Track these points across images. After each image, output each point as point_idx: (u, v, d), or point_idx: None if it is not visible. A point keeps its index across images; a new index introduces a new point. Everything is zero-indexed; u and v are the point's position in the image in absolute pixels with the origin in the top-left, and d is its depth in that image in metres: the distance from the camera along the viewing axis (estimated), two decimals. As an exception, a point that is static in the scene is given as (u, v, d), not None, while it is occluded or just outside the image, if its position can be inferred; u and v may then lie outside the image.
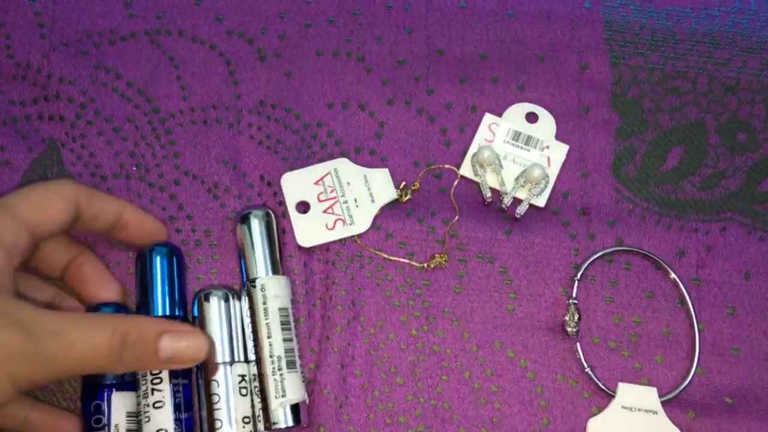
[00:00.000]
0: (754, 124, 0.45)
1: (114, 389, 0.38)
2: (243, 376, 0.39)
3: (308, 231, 0.43)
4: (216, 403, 0.39)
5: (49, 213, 0.36)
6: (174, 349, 0.35)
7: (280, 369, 0.39)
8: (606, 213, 0.44)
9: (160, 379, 0.38)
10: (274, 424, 0.38)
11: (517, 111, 0.46)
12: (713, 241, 0.43)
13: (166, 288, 0.40)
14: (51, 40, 0.46)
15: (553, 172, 0.45)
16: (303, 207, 0.44)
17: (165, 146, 0.45)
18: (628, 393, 0.40)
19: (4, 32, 0.45)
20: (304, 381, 0.40)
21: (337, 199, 0.43)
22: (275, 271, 0.41)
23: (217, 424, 0.38)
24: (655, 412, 0.40)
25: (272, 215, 0.42)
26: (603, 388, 0.41)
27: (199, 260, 0.43)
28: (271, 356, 0.39)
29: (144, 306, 0.40)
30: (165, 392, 0.37)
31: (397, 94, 0.46)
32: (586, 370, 0.41)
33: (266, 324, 0.39)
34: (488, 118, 0.46)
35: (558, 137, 0.45)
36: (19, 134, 0.45)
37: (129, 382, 0.39)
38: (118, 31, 0.46)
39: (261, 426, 0.39)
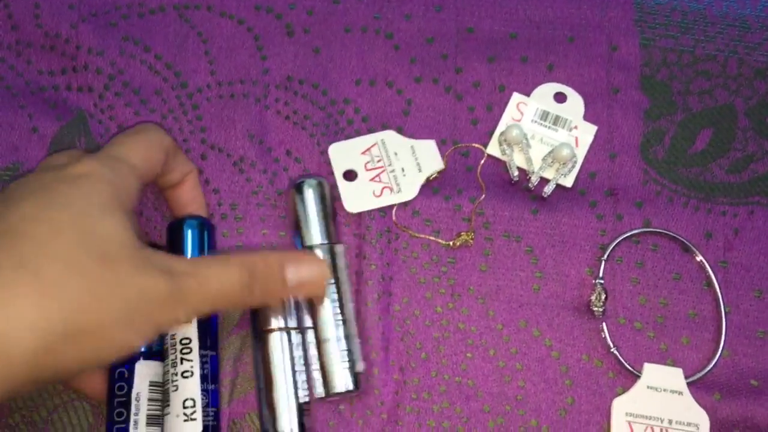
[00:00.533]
0: (784, 109, 0.45)
1: (141, 358, 0.39)
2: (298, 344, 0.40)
3: (355, 197, 0.43)
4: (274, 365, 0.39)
5: (155, 164, 0.38)
6: (299, 275, 0.37)
7: (354, 336, 0.40)
8: (633, 194, 0.44)
9: (190, 349, 0.38)
10: (339, 389, 0.39)
11: (546, 91, 0.46)
12: (741, 224, 0.43)
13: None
14: (80, 11, 0.46)
15: (581, 152, 0.44)
16: (351, 176, 0.44)
17: (192, 121, 0.45)
18: (653, 373, 0.40)
19: (33, 2, 0.45)
20: None
21: (384, 168, 0.44)
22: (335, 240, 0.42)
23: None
24: (681, 393, 0.40)
25: (327, 184, 0.42)
26: (629, 368, 0.41)
27: (224, 234, 0.43)
28: (346, 321, 0.40)
29: None
30: (194, 362, 0.38)
31: (425, 71, 0.46)
32: (612, 350, 0.41)
33: (344, 290, 0.40)
34: (516, 97, 0.46)
35: (586, 118, 0.45)
36: (47, 103, 0.45)
37: (156, 353, 0.39)
38: (146, 3, 0.46)
39: (320, 390, 0.39)
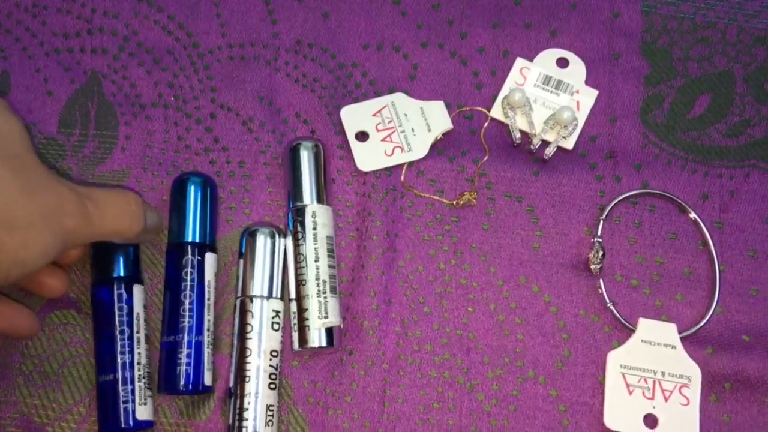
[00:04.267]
0: (781, 75, 0.46)
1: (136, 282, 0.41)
2: (277, 312, 0.41)
3: (367, 157, 0.45)
4: (248, 333, 0.40)
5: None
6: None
7: (324, 292, 0.41)
8: (632, 157, 0.45)
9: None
10: (310, 343, 0.40)
11: (549, 56, 0.47)
12: (737, 186, 0.44)
13: (198, 216, 0.42)
14: (96, -27, 0.47)
15: (582, 116, 0.46)
16: (362, 137, 0.45)
17: (203, 80, 0.46)
18: (648, 328, 0.42)
19: (50, -35, 0.47)
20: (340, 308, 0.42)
21: (395, 128, 0.45)
22: (321, 201, 0.42)
23: (247, 352, 0.40)
24: (674, 347, 0.41)
25: (321, 147, 0.43)
26: (624, 322, 0.42)
27: (232, 191, 0.44)
28: (317, 279, 0.41)
29: (178, 232, 0.42)
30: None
31: (431, 37, 0.47)
32: (608, 305, 0.42)
33: (314, 249, 0.41)
34: (520, 62, 0.47)
35: (588, 83, 0.46)
36: (61, 66, 0.46)
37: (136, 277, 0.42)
38: (160, -33, 0.47)
39: (296, 346, 0.41)
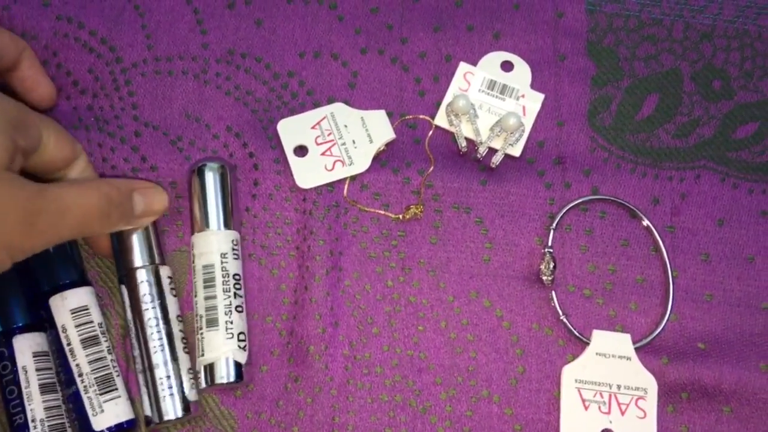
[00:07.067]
0: (729, 71, 0.45)
1: (17, 333, 0.38)
2: (171, 277, 0.40)
3: (307, 173, 0.42)
4: (151, 302, 0.39)
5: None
6: (145, 203, 0.38)
7: (201, 328, 0.39)
8: (581, 162, 0.44)
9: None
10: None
11: (493, 60, 0.45)
12: (688, 188, 0.43)
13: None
14: (9, -12, 0.44)
15: (529, 121, 0.44)
16: (300, 152, 0.43)
17: (123, 98, 0.43)
18: (602, 340, 0.40)
19: (-41, -21, 0.43)
20: (241, 337, 0.39)
21: (335, 141, 0.43)
22: (208, 225, 0.40)
23: (153, 322, 0.38)
24: (629, 358, 0.40)
25: (226, 167, 0.41)
26: (578, 335, 0.41)
27: (165, 214, 0.42)
28: (196, 315, 0.39)
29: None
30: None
31: (370, 42, 0.45)
32: (561, 318, 0.41)
33: (194, 282, 0.39)
34: (463, 67, 0.45)
35: (533, 86, 0.45)
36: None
37: (31, 325, 0.39)
38: (79, -23, 0.44)
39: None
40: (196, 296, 0.39)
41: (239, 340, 0.38)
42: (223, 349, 0.38)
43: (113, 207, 0.36)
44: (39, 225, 0.32)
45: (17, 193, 0.31)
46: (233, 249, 0.40)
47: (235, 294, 0.39)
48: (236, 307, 0.39)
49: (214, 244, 0.39)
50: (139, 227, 0.39)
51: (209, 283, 0.39)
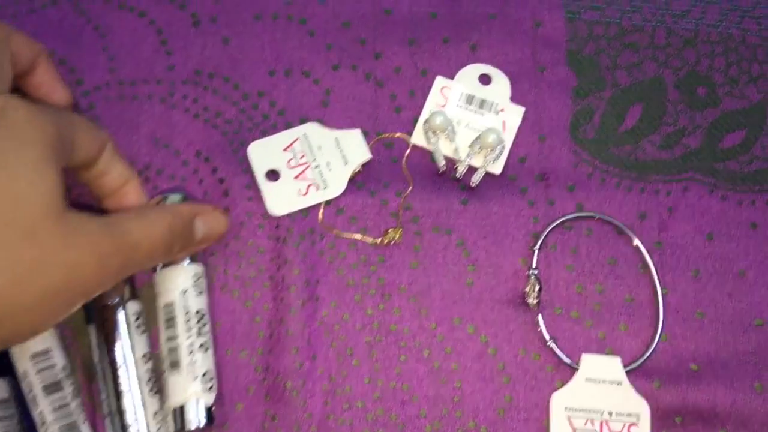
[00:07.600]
0: (713, 78, 0.44)
1: None
2: (139, 314, 0.38)
3: (280, 199, 0.40)
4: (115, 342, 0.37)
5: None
6: (205, 228, 0.36)
7: (164, 371, 0.37)
8: (565, 178, 0.42)
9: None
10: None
11: (470, 72, 0.43)
12: (675, 202, 0.42)
13: None
14: (-41, 11, 0.41)
15: (509, 136, 0.42)
16: (273, 176, 0.41)
17: (90, 123, 0.41)
18: (591, 364, 0.39)
19: None
20: (207, 378, 0.37)
21: (309, 164, 0.41)
22: (172, 262, 0.38)
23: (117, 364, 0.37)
24: (620, 383, 0.39)
25: (179, 201, 0.38)
26: (566, 360, 0.39)
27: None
28: (161, 355, 0.37)
29: None
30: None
31: (342, 58, 0.43)
32: (549, 342, 0.39)
33: (158, 320, 0.38)
34: (440, 81, 0.43)
35: (513, 99, 0.43)
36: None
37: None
38: (35, -2, 0.42)
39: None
40: (159, 336, 0.37)
41: (204, 381, 0.37)
42: (188, 392, 0.36)
43: (176, 237, 0.34)
44: (111, 267, 0.30)
45: (88, 239, 0.29)
46: (195, 284, 0.38)
47: (198, 332, 0.37)
48: (200, 345, 0.37)
49: (173, 281, 0.37)
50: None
51: (170, 323, 0.37)
